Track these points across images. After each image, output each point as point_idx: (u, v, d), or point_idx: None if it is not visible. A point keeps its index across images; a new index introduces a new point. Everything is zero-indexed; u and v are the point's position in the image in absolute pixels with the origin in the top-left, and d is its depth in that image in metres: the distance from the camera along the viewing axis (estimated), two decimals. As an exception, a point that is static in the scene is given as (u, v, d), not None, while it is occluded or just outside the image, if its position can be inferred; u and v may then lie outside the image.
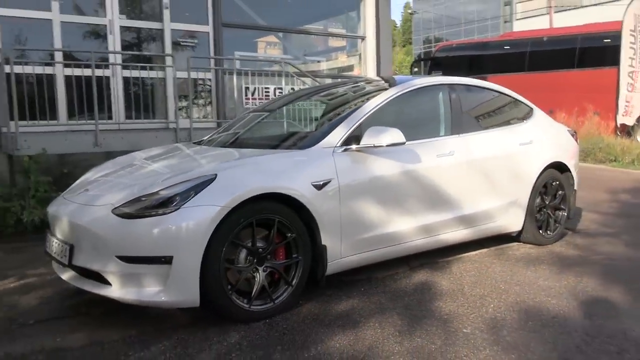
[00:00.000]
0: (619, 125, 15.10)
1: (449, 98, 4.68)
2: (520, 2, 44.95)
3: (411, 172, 4.10)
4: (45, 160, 6.18)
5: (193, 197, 3.17)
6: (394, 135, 3.80)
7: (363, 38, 10.52)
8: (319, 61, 11.23)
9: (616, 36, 15.05)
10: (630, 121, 15.19)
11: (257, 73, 8.23)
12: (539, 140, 5.11)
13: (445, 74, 16.41)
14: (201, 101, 8.80)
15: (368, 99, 4.29)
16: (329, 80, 9.45)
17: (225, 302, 3.23)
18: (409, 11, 66.17)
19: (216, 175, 3.31)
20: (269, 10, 9.73)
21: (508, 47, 18.84)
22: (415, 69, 23.52)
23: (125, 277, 3.15)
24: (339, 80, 9.11)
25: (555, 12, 32.62)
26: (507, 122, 5.17)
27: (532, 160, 5.00)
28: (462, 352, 2.95)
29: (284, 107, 5.65)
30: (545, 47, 17.69)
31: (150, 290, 3.13)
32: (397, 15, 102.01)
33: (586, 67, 16.21)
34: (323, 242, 3.59)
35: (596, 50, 16.44)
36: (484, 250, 4.94)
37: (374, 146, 3.81)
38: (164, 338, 3.14)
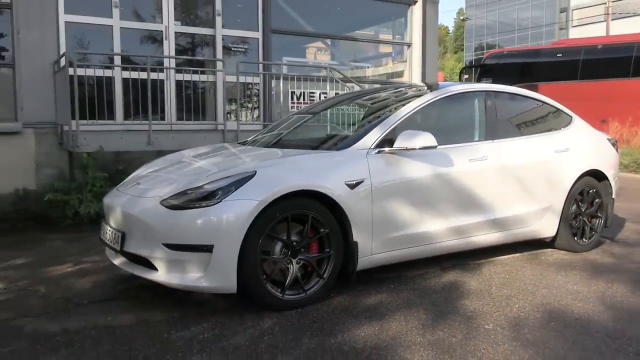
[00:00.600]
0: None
1: (485, 105, 4.79)
2: (577, 9, 43.87)
3: (443, 175, 4.24)
4: (102, 157, 6.61)
5: (234, 191, 3.43)
6: (426, 138, 3.97)
7: (409, 45, 10.65)
8: (365, 67, 11.39)
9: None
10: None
11: (304, 78, 8.49)
12: (576, 147, 5.14)
13: (495, 81, 16.30)
14: (249, 104, 9.14)
15: (404, 104, 4.46)
16: (376, 86, 9.60)
17: (260, 290, 3.47)
18: (462, 17, 65.41)
19: (256, 172, 3.56)
20: (317, 18, 10.00)
21: (560, 55, 18.53)
22: (466, 76, 23.39)
23: (170, 263, 3.44)
24: (382, 85, 9.24)
25: (614, 19, 31.77)
26: (544, 129, 5.23)
27: (568, 168, 5.04)
28: (482, 346, 3.08)
29: (327, 110, 5.87)
30: (600, 55, 17.32)
31: (192, 276, 3.41)
32: (449, 21, 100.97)
33: (642, 76, 15.84)
34: (354, 239, 3.78)
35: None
36: (517, 255, 5.02)
37: (407, 149, 3.98)
38: (203, 320, 3.41)
